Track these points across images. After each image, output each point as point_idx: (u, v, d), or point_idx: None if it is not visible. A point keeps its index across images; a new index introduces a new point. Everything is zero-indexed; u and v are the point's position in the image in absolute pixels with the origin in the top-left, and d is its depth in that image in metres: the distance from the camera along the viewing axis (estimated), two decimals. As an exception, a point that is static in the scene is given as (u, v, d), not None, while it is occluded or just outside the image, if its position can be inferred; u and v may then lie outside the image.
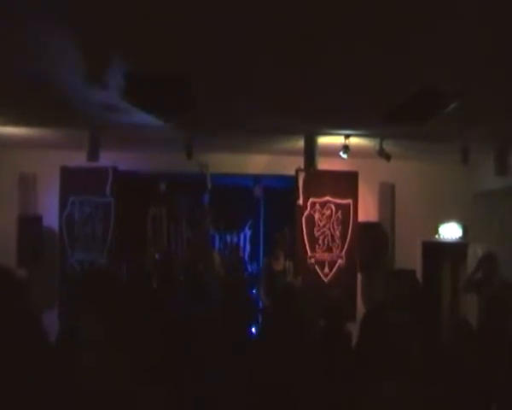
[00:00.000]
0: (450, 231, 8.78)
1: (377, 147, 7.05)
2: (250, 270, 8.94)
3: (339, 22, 3.66)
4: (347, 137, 7.00)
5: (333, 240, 8.38)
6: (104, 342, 3.66)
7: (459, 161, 7.06)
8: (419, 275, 8.41)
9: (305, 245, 8.27)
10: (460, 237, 8.79)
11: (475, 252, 8.64)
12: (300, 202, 8.22)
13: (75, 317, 4.17)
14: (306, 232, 8.30)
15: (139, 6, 3.45)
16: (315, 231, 8.34)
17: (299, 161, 7.32)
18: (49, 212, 8.10)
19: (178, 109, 5.76)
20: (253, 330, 6.98)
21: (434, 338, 4.43)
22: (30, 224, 7.93)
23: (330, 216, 8.34)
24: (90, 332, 3.71)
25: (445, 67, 4.43)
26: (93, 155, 6.85)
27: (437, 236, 8.82)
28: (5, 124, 6.74)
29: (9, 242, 7.71)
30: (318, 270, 8.34)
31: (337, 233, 8.38)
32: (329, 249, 8.36)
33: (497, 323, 5.61)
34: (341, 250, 8.39)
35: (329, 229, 8.37)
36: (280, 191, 8.58)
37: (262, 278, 7.98)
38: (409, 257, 8.40)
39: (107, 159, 7.37)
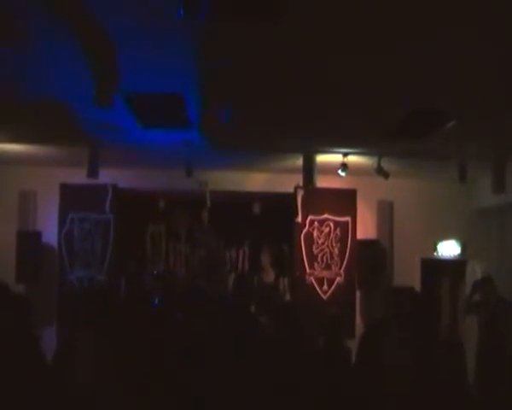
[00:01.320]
0: (448, 249, 8.79)
1: (375, 165, 7.08)
2: (249, 287, 8.92)
3: (338, 43, 3.72)
4: (345, 155, 7.04)
5: (331, 257, 8.40)
6: (102, 359, 3.66)
7: (457, 178, 7.10)
8: (417, 292, 8.40)
9: (303, 262, 8.29)
10: (458, 255, 8.80)
11: (474, 269, 8.66)
12: (299, 219, 8.25)
13: (73, 334, 4.17)
14: (305, 250, 8.32)
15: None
16: (313, 249, 8.36)
17: (298, 179, 7.35)
18: (49, 228, 8.11)
19: (177, 127, 5.82)
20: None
21: (432, 357, 4.42)
22: (29, 240, 7.94)
23: (329, 233, 8.37)
24: (88, 350, 3.72)
25: (443, 85, 4.50)
26: (93, 172, 6.87)
27: (435, 253, 8.83)
28: (6, 141, 6.79)
29: (9, 257, 7.72)
30: (317, 287, 8.35)
31: (336, 251, 8.40)
32: (328, 267, 8.38)
33: (497, 341, 5.63)
34: (340, 268, 8.41)
35: (328, 246, 8.39)
36: (279, 209, 8.59)
37: (258, 295, 7.96)
38: (407, 274, 8.40)
39: (106, 176, 7.41)
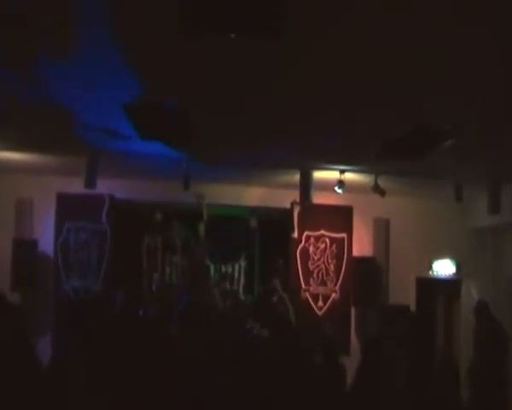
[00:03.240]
0: (443, 267, 8.81)
1: (372, 182, 7.11)
2: (244, 300, 8.91)
3: (337, 63, 3.77)
4: (342, 172, 7.07)
5: (327, 273, 8.40)
6: (95, 370, 3.66)
7: (453, 197, 7.13)
8: (412, 310, 8.41)
9: (299, 278, 8.29)
10: (454, 274, 8.82)
11: (469, 288, 8.67)
12: (295, 234, 8.26)
13: (67, 344, 4.18)
14: (301, 265, 8.32)
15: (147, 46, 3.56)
16: (309, 265, 8.36)
17: (295, 195, 7.38)
18: (45, 237, 8.11)
19: (177, 140, 5.84)
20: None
21: (426, 375, 4.43)
22: (25, 248, 7.93)
23: (325, 250, 8.38)
24: (80, 361, 3.72)
25: (440, 105, 4.54)
26: (90, 182, 6.88)
27: (431, 271, 8.84)
28: (4, 149, 6.81)
29: (4, 265, 7.71)
30: (312, 303, 8.34)
31: (331, 267, 8.40)
32: (324, 283, 8.37)
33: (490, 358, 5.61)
34: (335, 284, 8.40)
35: (324, 262, 8.39)
36: (275, 223, 8.61)
37: (258, 309, 7.96)
38: (403, 292, 8.40)
39: (103, 186, 7.41)
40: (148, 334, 5.24)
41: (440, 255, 8.74)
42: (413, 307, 8.46)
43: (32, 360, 3.72)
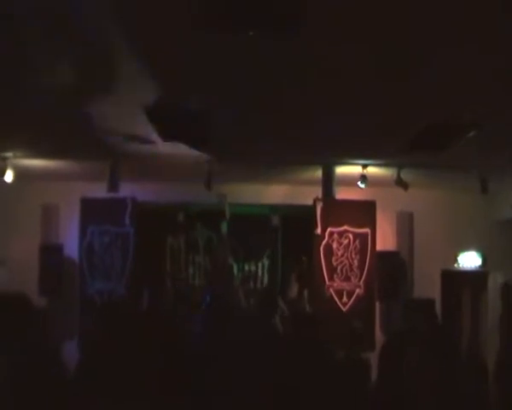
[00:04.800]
0: (469, 260, 8.71)
1: (395, 176, 7.07)
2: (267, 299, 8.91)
3: (357, 57, 3.74)
4: (365, 166, 7.04)
5: (351, 269, 8.35)
6: (121, 372, 3.68)
7: (478, 189, 7.05)
8: (438, 304, 8.32)
9: (323, 274, 8.25)
10: (480, 266, 8.72)
11: (495, 281, 8.57)
12: (318, 231, 8.22)
13: (95, 348, 4.20)
14: (324, 261, 8.28)
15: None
16: (333, 261, 8.32)
17: (317, 191, 7.36)
18: (70, 241, 8.20)
19: (198, 141, 5.87)
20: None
21: (453, 369, 4.38)
22: (52, 253, 8.05)
23: (348, 245, 8.33)
24: (106, 363, 3.74)
25: (464, 95, 4.48)
26: (113, 186, 6.96)
27: (456, 264, 8.75)
28: (29, 157, 6.91)
29: (32, 270, 7.82)
30: (337, 299, 8.30)
31: (355, 262, 8.35)
32: (348, 279, 8.33)
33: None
34: (360, 279, 8.35)
35: (347, 258, 8.35)
36: (298, 221, 8.59)
37: (280, 307, 7.95)
38: (428, 286, 8.32)
39: (126, 190, 7.48)
40: (172, 334, 5.26)
41: (466, 248, 8.65)
42: (438, 301, 8.38)
43: (58, 364, 3.74)
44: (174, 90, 4.53)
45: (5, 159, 6.88)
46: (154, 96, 4.63)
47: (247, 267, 8.95)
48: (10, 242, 8.23)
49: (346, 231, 8.30)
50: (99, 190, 7.39)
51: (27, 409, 3.30)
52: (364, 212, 8.30)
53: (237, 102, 4.81)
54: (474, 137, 5.35)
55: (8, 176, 6.92)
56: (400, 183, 7.07)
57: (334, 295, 8.30)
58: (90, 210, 8.10)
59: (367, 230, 8.33)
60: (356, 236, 8.32)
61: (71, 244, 8.18)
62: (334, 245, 8.29)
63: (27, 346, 3.77)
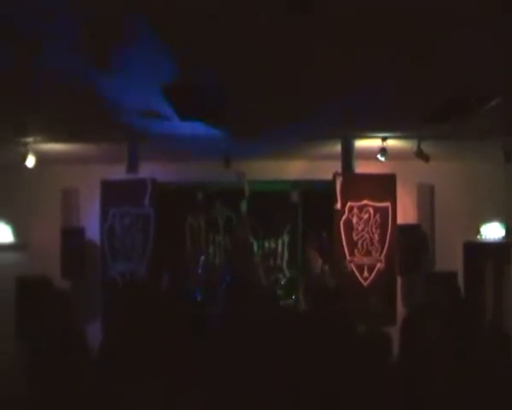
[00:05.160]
0: (492, 231, 8.60)
1: (415, 148, 6.98)
2: (289, 275, 8.94)
3: (378, 28, 3.67)
4: (384, 139, 6.96)
5: (372, 244, 8.32)
6: (144, 353, 3.70)
7: (501, 159, 6.93)
8: (461, 276, 8.27)
9: (343, 249, 8.23)
10: (503, 237, 8.61)
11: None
12: (338, 206, 8.19)
13: (118, 329, 4.23)
14: (345, 236, 8.26)
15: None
16: (353, 235, 8.29)
17: (337, 166, 7.30)
18: (91, 224, 8.27)
19: (216, 118, 5.83)
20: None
21: (475, 343, 4.33)
22: (73, 236, 8.12)
23: (368, 220, 8.29)
24: (130, 344, 3.76)
25: (485, 65, 4.39)
26: (132, 167, 6.97)
27: (479, 236, 8.65)
28: (48, 141, 6.95)
29: (54, 253, 7.90)
30: (357, 274, 8.29)
31: (376, 237, 8.31)
32: (368, 253, 8.30)
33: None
34: (380, 254, 8.32)
35: (368, 232, 8.31)
36: (317, 196, 8.56)
37: (301, 282, 7.99)
38: (450, 258, 8.27)
39: (145, 171, 7.49)
40: (193, 314, 5.28)
41: (488, 219, 8.54)
42: (461, 274, 8.32)
43: (81, 346, 3.78)
44: (191, 67, 4.49)
45: (26, 144, 6.93)
46: (171, 74, 4.59)
47: (267, 245, 8.95)
48: (32, 226, 8.32)
49: (366, 206, 8.26)
50: (118, 173, 7.42)
51: (51, 390, 3.34)
52: (384, 185, 8.24)
53: (254, 79, 4.75)
54: (496, 107, 5.25)
55: (30, 161, 6.97)
56: (421, 155, 6.98)
57: (354, 270, 8.28)
58: (111, 192, 8.15)
59: (387, 203, 8.27)
60: (376, 210, 8.27)
61: (92, 227, 8.24)
62: (355, 220, 8.26)
63: (51, 328, 3.82)
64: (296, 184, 8.63)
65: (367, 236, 8.31)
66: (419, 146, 6.95)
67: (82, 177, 8.27)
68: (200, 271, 8.51)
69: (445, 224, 8.35)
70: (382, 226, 8.29)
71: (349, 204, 8.23)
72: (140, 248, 8.27)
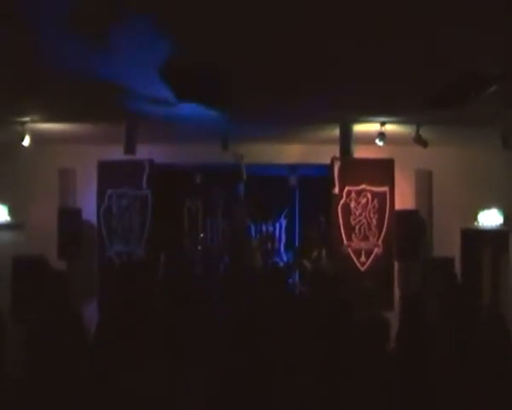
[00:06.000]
0: (490, 218, 8.58)
1: (413, 133, 6.95)
2: (286, 259, 8.96)
3: (377, 12, 3.64)
4: (383, 124, 6.93)
5: (369, 228, 8.31)
6: (140, 334, 3.71)
7: (499, 146, 6.89)
8: (458, 263, 8.28)
9: (341, 234, 8.24)
10: (501, 224, 8.59)
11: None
12: (336, 190, 8.18)
13: (114, 308, 4.24)
14: (342, 221, 8.26)
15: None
16: (351, 220, 8.29)
17: (335, 150, 7.28)
18: (88, 205, 8.24)
19: (214, 100, 5.79)
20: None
21: (470, 331, 4.35)
22: (70, 217, 8.09)
23: (366, 204, 8.28)
24: (126, 325, 3.77)
25: (483, 50, 4.36)
26: (130, 148, 6.94)
27: (476, 223, 8.64)
28: (45, 120, 6.90)
29: (51, 234, 7.88)
30: (355, 258, 8.30)
31: (373, 221, 8.31)
32: (366, 238, 8.30)
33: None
34: (378, 239, 8.32)
35: (366, 217, 8.31)
36: (315, 180, 8.54)
37: (297, 265, 8.01)
38: (447, 245, 8.27)
39: (142, 152, 7.46)
40: (190, 295, 5.30)
41: (486, 206, 8.52)
42: (458, 260, 8.32)
43: (77, 326, 3.78)
44: (189, 48, 4.45)
45: (23, 123, 6.89)
46: (168, 54, 4.55)
47: (264, 228, 8.97)
48: (29, 206, 8.30)
49: (364, 190, 8.24)
50: (116, 154, 7.39)
51: (47, 371, 3.35)
52: (382, 170, 8.22)
53: (253, 61, 4.72)
54: (494, 92, 5.20)
55: (26, 141, 6.94)
56: (419, 140, 6.96)
57: (352, 254, 8.29)
58: (108, 173, 8.12)
59: (385, 188, 8.26)
60: (374, 195, 8.26)
61: (89, 208, 8.22)
62: (352, 204, 8.25)
63: (48, 308, 3.82)
64: (294, 167, 8.61)
65: (364, 220, 8.31)
66: (417, 131, 6.92)
67: (79, 157, 8.24)
68: (199, 247, 8.54)
69: (443, 210, 8.34)
70: (380, 211, 8.29)
71: (347, 189, 8.22)
72: (137, 230, 8.27)
